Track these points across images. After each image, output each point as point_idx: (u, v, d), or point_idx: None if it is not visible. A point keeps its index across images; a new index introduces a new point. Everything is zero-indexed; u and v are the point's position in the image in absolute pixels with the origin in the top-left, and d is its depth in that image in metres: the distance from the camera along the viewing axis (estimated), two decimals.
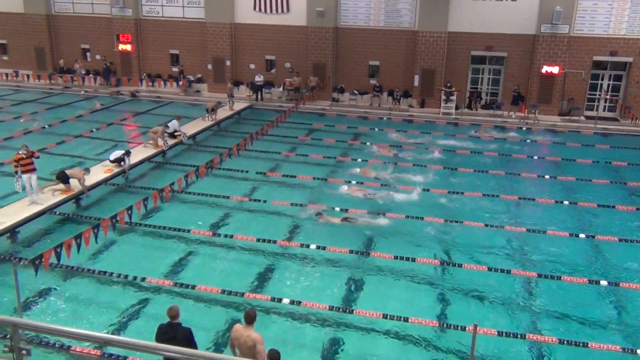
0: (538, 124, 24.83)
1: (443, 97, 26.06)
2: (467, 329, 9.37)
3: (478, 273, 11.60)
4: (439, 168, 18.59)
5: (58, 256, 10.88)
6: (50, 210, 13.91)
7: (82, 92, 29.10)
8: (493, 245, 13.13)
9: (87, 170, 15.26)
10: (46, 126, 22.35)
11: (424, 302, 10.73)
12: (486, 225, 13.98)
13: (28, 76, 30.31)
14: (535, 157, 20.49)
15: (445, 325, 9.80)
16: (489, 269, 11.67)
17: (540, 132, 24.03)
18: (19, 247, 12.63)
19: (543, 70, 25.49)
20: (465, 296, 10.98)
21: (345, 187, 16.49)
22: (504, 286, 11.28)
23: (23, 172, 13.60)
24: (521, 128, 24.48)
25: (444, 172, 18.28)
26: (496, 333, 9.47)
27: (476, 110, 26.71)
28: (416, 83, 27.13)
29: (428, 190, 16.30)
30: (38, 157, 14.08)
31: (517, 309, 10.65)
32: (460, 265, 11.90)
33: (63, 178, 14.61)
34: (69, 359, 8.57)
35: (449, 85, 26.11)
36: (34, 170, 13.68)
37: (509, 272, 11.63)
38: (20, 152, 13.66)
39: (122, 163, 16.86)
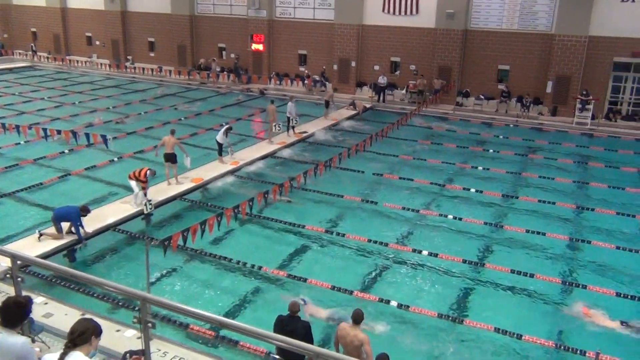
0: None
1: (578, 105, 24.33)
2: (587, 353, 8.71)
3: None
4: (568, 181, 17.45)
5: (184, 239, 11.68)
6: (180, 196, 15.03)
7: (224, 86, 31.16)
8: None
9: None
10: (182, 118, 24.12)
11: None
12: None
13: (170, 71, 32.96)
14: None
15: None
16: None
17: None
18: (151, 229, 13.77)
19: None
20: None
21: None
22: None
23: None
24: None
25: (573, 185, 17.15)
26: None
27: (615, 121, 24.61)
28: (549, 90, 25.60)
29: (554, 203, 15.36)
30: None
31: None
32: None
33: (171, 159, 15.52)
34: (186, 336, 9.15)
35: (585, 93, 24.29)
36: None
37: None
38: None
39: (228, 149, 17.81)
